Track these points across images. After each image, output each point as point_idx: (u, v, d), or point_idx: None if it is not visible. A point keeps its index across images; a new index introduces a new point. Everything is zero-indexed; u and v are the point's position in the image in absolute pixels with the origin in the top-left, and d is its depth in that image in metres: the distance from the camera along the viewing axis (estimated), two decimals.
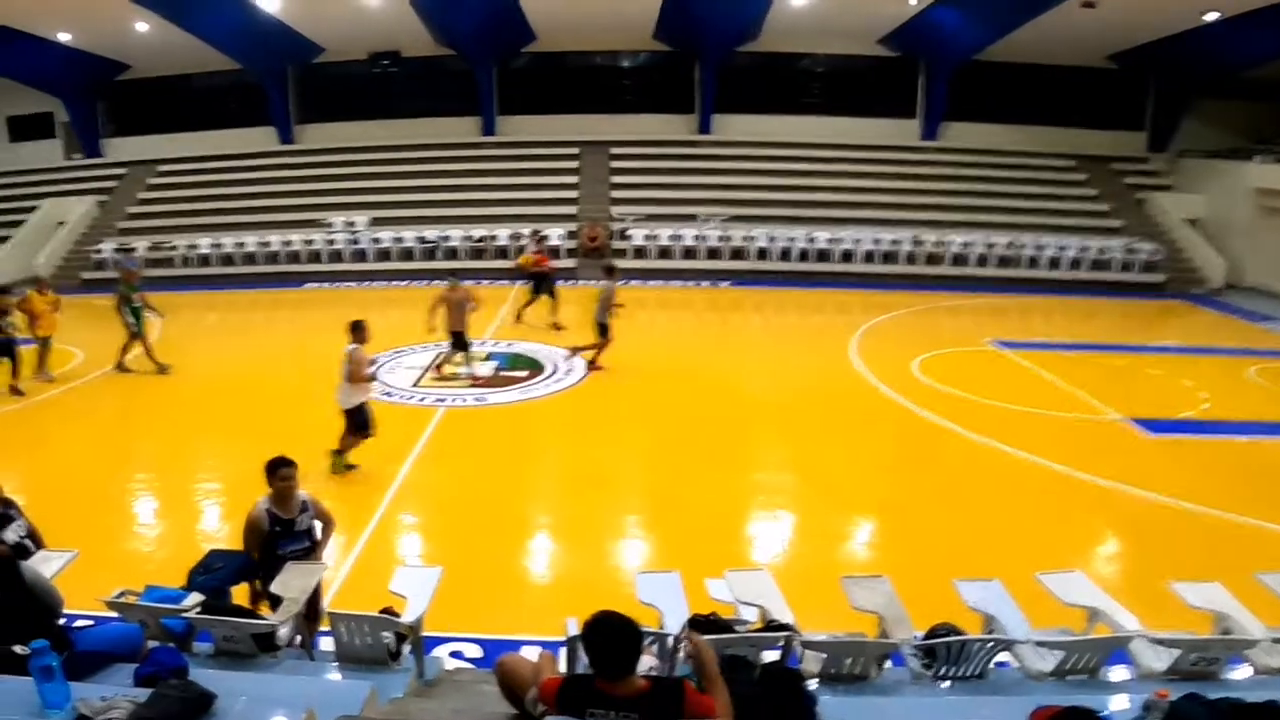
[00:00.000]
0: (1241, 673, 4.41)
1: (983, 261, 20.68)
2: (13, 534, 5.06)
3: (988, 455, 9.42)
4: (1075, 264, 20.63)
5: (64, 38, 22.27)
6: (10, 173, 25.84)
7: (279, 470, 5.10)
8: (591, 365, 12.82)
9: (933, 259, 20.76)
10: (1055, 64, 23.69)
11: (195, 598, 4.42)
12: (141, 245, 22.02)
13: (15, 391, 12.00)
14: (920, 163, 23.64)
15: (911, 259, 20.63)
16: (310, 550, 5.26)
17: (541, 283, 16.14)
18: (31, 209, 23.82)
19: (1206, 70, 21.64)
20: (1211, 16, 18.66)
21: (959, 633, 4.30)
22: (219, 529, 7.71)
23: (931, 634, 4.34)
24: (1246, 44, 19.05)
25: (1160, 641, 4.29)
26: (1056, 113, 24.42)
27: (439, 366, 12.70)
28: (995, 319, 17.54)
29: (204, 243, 21.89)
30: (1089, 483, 8.61)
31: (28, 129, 26.70)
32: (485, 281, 20.21)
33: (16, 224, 23.24)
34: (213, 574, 4.81)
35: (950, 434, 9.95)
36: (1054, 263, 20.66)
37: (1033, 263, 20.67)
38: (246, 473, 8.81)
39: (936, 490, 8.58)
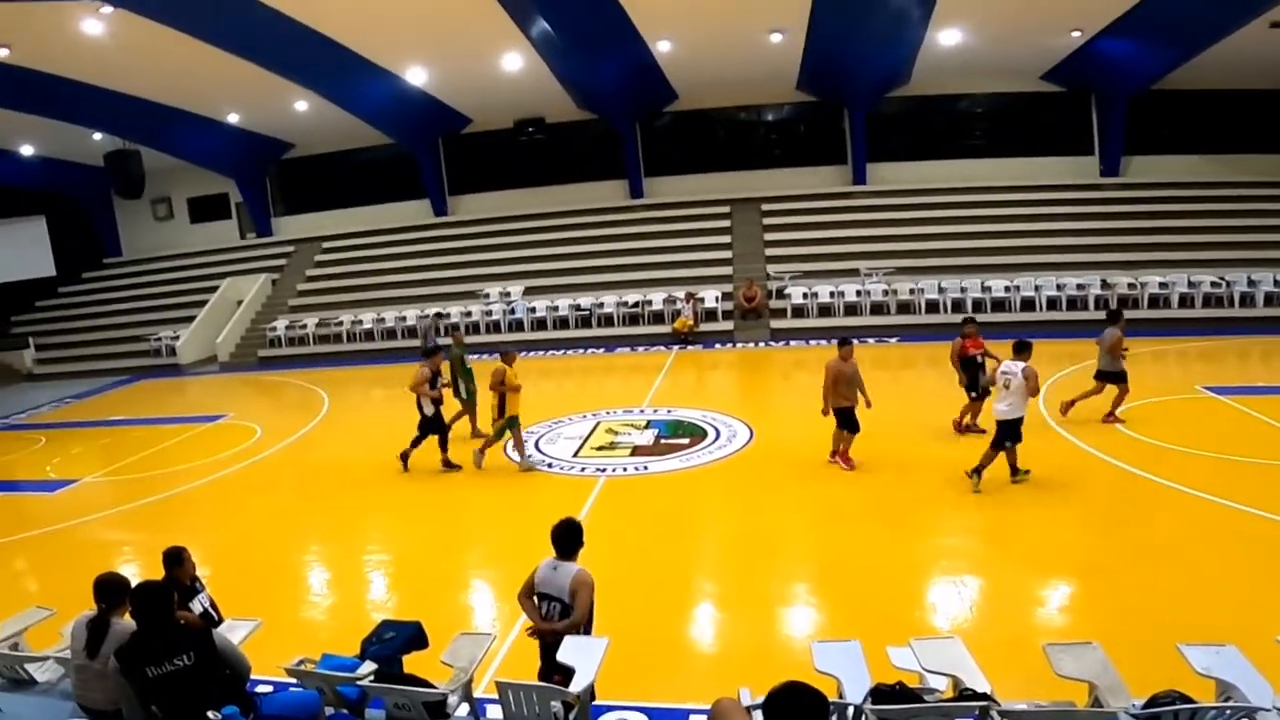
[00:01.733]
0: None
1: (1186, 302, 18.70)
2: (198, 605, 5.38)
3: (1209, 511, 8.31)
4: None
5: (233, 119, 23.90)
6: (193, 253, 27.91)
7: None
8: (1112, 416, 11.57)
9: (1125, 302, 18.90)
10: (1250, 88, 21.62)
11: (369, 666, 4.62)
12: (310, 321, 23.00)
13: (450, 466, 11.58)
14: (1103, 200, 21.91)
15: (1102, 304, 18.86)
16: None
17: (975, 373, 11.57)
18: (213, 288, 25.42)
19: None
20: None
21: (1188, 701, 3.91)
22: (387, 599, 7.82)
23: (1153, 702, 3.96)
24: None
25: None
26: (1256, 138, 22.19)
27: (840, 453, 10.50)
28: (1206, 363, 15.86)
29: (367, 317, 22.64)
30: None
31: (206, 210, 28.82)
32: (641, 348, 20.03)
33: (201, 303, 24.83)
34: (385, 644, 4.97)
35: (1162, 489, 8.89)
36: (1271, 299, 18.43)
37: (1246, 300, 18.51)
38: (413, 544, 9.18)
39: (1150, 550, 7.62)
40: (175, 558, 5.42)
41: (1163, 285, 18.86)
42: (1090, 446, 10.54)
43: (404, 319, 22.40)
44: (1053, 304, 19.16)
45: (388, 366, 20.71)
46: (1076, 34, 19.65)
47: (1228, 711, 3.91)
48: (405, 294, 23.52)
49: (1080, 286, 19.11)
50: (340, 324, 22.74)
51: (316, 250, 26.69)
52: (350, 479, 11.95)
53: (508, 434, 11.64)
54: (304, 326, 23.04)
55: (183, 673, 4.01)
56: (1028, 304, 19.25)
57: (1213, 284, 18.72)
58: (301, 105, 22.30)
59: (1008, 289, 19.45)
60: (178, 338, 23.49)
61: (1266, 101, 22.00)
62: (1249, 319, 18.13)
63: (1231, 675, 4.08)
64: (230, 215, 28.62)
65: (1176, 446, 9.44)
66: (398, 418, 16.60)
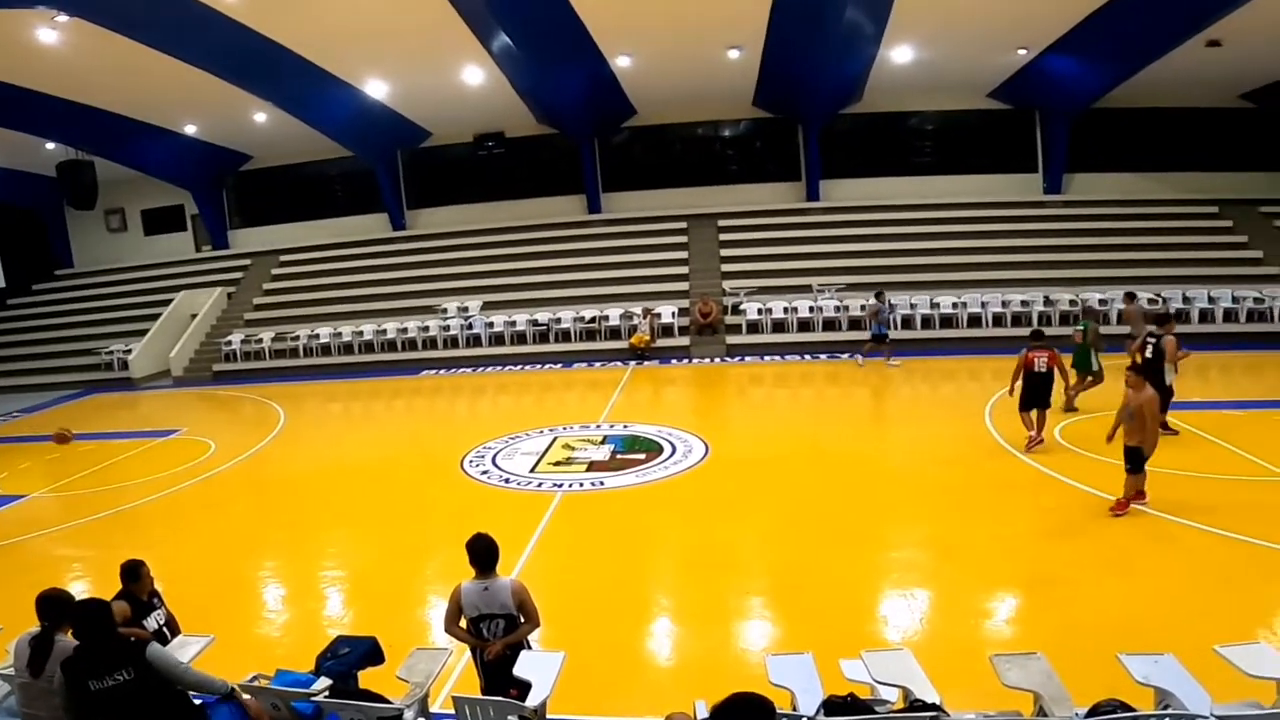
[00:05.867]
0: None
1: (1124, 318, 19.31)
2: (153, 621, 5.36)
3: (1146, 524, 8.60)
4: (1230, 315, 19.05)
5: (190, 130, 23.67)
6: (146, 266, 27.56)
7: None
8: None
9: (1067, 318, 19.47)
10: (1186, 106, 22.48)
11: (324, 682, 4.64)
12: (266, 336, 22.86)
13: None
14: (1046, 218, 22.54)
15: (1045, 320, 19.43)
16: None
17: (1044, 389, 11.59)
18: (167, 301, 25.15)
19: None
20: None
21: (1128, 709, 4.02)
22: (343, 615, 7.81)
23: (1095, 711, 4.07)
24: None
25: None
26: (1191, 157, 23.03)
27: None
28: None
29: (324, 332, 22.58)
30: (1265, 548, 7.74)
31: (161, 222, 28.41)
32: (598, 364, 20.24)
33: (154, 316, 24.53)
34: (340, 659, 4.99)
35: (1102, 502, 9.12)
36: (1205, 315, 19.14)
37: (1180, 316, 19.01)
38: (369, 560, 9.21)
39: (1090, 563, 7.84)
40: (132, 572, 5.39)
41: (1102, 302, 19.45)
42: (1035, 461, 10.84)
43: (361, 333, 22.37)
44: (998, 320, 19.65)
45: (345, 381, 20.75)
46: (1022, 52, 20.13)
47: (1166, 718, 4.02)
48: (363, 308, 23.42)
49: (1025, 303, 19.62)
50: (297, 338, 22.61)
51: (273, 263, 26.48)
52: (306, 494, 11.96)
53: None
54: (260, 341, 22.87)
55: (124, 687, 4.02)
56: (974, 320, 19.73)
57: (1150, 300, 19.34)
58: (260, 117, 22.18)
59: (955, 305, 19.93)
60: (130, 351, 23.17)
61: (1200, 119, 22.83)
62: (1184, 335, 18.53)
63: (1169, 684, 4.23)
64: (186, 227, 28.25)
65: (1116, 460, 9.49)
66: (355, 432, 16.80)
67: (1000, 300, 19.80)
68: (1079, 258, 20.98)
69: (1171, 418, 11.47)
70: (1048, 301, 19.67)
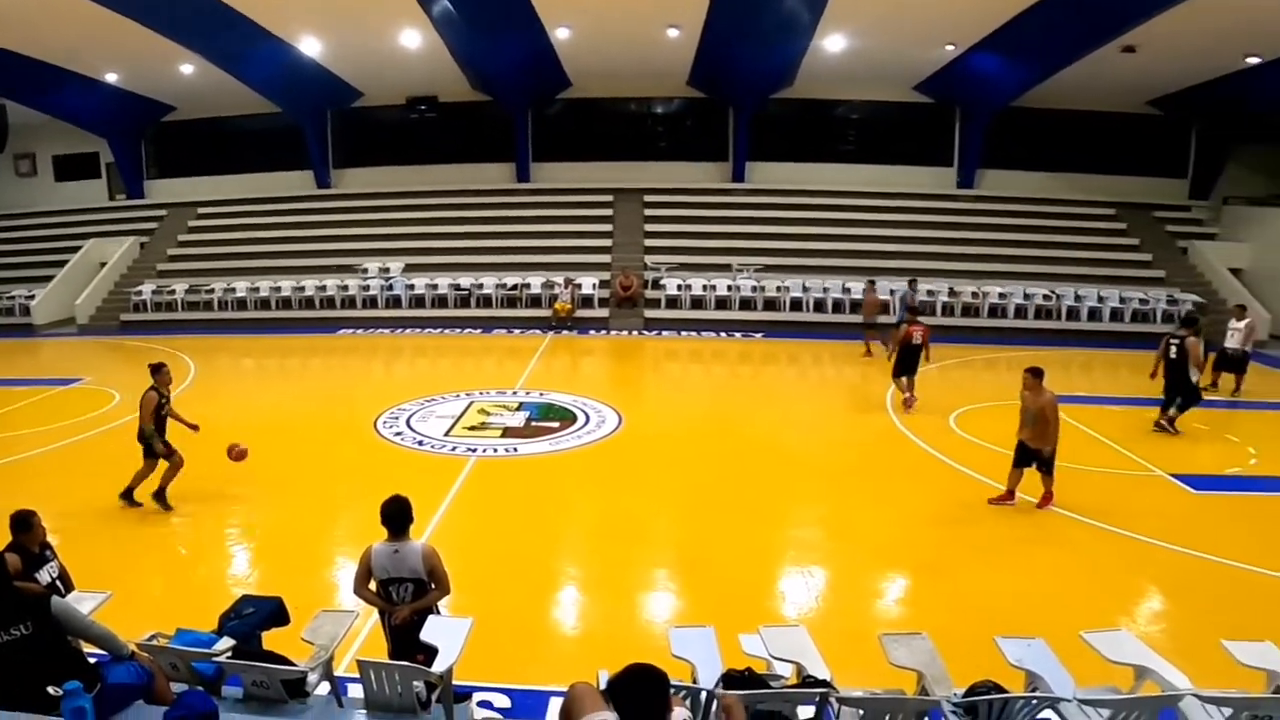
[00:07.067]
0: None
1: (1020, 313, 20.33)
2: (46, 575, 5.20)
3: (1028, 513, 9.18)
4: (1116, 315, 20.19)
5: (111, 78, 22.88)
6: (55, 212, 26.57)
7: None
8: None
9: (969, 310, 20.44)
10: (1095, 110, 23.50)
11: (226, 642, 4.51)
12: (180, 287, 22.38)
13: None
14: (957, 211, 23.39)
15: (948, 310, 20.31)
16: None
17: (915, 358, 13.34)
18: (75, 249, 24.32)
19: (1249, 115, 21.28)
20: (1254, 60, 18.46)
21: (1001, 691, 4.24)
22: (249, 574, 7.71)
23: (972, 691, 4.27)
24: None
25: (1212, 700, 4.20)
26: (1096, 159, 24.17)
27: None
28: None
29: (241, 286, 22.18)
30: (1132, 540, 8.35)
31: (73, 169, 27.39)
32: (517, 331, 20.42)
33: (61, 263, 23.72)
34: (244, 619, 4.86)
35: (990, 490, 9.67)
36: (1094, 314, 20.25)
37: (1071, 314, 20.26)
38: (277, 519, 9.14)
39: (975, 548, 8.38)
40: (23, 522, 5.21)
41: (1002, 296, 20.40)
42: (931, 447, 11.37)
43: (279, 289, 22.07)
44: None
45: (260, 337, 20.48)
46: (950, 48, 20.70)
47: (1034, 701, 4.18)
48: (282, 264, 23.03)
49: (930, 293, 20.40)
50: (212, 291, 22.15)
51: (191, 215, 25.78)
52: (213, 450, 11.58)
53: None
54: (173, 292, 22.34)
55: (19, 643, 3.87)
56: (884, 307, 20.38)
57: (1045, 297, 20.39)
58: (187, 69, 21.51)
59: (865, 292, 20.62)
60: (33, 297, 22.44)
61: (1108, 123, 23.90)
62: (1075, 331, 19.86)
63: (1039, 667, 4.43)
64: (100, 175, 27.31)
65: (1005, 450, 9.84)
66: (268, 389, 16.64)
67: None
68: (983, 252, 21.89)
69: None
70: (952, 293, 20.51)
